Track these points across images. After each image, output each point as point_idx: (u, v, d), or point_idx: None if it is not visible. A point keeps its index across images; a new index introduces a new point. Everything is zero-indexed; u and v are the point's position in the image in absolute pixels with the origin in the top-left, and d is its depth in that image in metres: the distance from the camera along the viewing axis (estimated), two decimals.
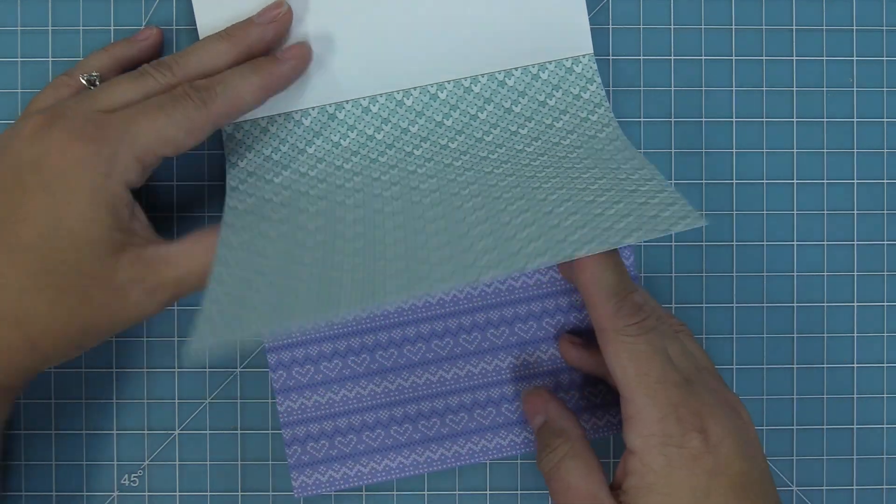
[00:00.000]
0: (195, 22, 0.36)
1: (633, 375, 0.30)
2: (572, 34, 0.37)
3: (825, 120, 0.39)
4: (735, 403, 0.32)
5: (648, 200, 0.31)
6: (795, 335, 0.39)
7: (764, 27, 0.39)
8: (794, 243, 0.39)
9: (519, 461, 0.39)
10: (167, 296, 0.32)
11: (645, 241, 0.39)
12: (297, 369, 0.37)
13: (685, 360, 0.32)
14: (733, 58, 0.39)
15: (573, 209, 0.31)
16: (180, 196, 0.39)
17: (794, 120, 0.39)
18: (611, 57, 0.39)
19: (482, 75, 0.38)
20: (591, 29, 0.38)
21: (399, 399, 0.37)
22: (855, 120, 0.39)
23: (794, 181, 0.39)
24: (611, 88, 0.39)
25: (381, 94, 0.37)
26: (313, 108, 0.37)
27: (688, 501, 0.30)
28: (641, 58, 0.39)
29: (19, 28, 0.39)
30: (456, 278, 0.29)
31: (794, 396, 0.39)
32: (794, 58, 0.39)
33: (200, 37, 0.36)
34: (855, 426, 0.39)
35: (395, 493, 0.39)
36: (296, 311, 0.29)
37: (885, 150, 0.40)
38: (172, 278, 0.32)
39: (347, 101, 0.37)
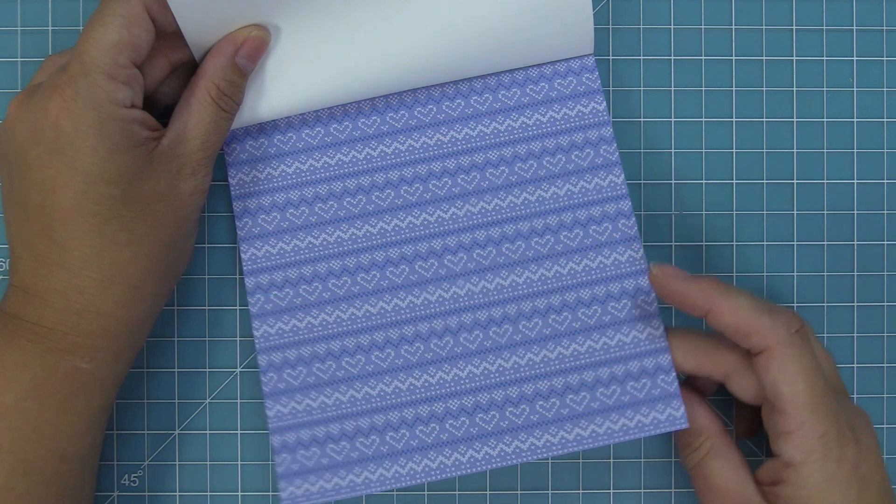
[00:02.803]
0: None
1: (801, 390, 0.31)
2: (575, 35, 0.37)
3: (825, 120, 0.39)
4: (858, 407, 0.34)
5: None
6: None
7: (764, 27, 0.39)
8: (795, 243, 0.39)
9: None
10: (204, 161, 0.34)
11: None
12: (288, 371, 0.36)
13: (825, 365, 0.34)
14: (733, 58, 0.39)
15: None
16: None
17: (794, 120, 0.39)
18: (611, 57, 0.39)
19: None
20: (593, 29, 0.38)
21: (395, 403, 0.36)
22: (855, 120, 0.39)
23: (794, 181, 0.39)
24: (611, 88, 0.39)
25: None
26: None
27: None
28: (641, 58, 0.39)
29: (19, 28, 0.39)
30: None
31: None
32: (794, 58, 0.39)
33: (188, 41, 0.35)
34: None
35: (394, 493, 0.39)
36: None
37: (885, 150, 0.40)
38: (197, 145, 0.33)
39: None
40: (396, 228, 0.37)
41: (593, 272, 0.36)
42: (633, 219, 0.36)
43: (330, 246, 0.37)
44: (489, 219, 0.37)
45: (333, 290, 0.36)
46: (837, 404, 0.31)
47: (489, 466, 0.35)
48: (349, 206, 0.37)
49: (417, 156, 0.37)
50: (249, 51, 0.34)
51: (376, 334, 0.37)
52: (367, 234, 0.37)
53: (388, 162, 0.37)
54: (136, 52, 0.32)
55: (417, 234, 0.37)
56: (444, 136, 0.38)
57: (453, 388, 0.36)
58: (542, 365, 0.36)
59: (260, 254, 0.37)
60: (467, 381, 0.36)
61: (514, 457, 0.35)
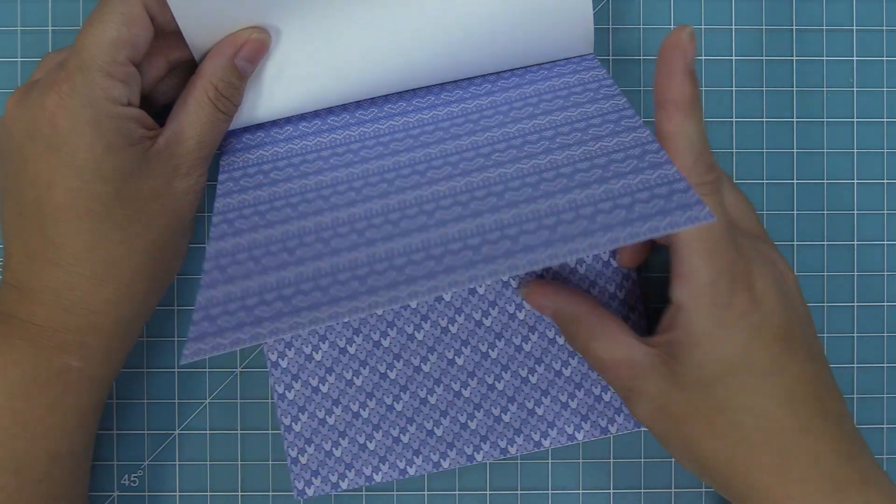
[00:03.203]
0: None
1: (694, 234, 0.30)
2: (575, 35, 0.37)
3: (825, 120, 0.39)
4: (773, 253, 0.33)
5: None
6: None
7: (764, 27, 0.39)
8: (795, 243, 0.39)
9: (519, 461, 0.39)
10: (200, 161, 0.34)
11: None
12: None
13: (736, 212, 0.33)
14: (733, 58, 0.39)
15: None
16: None
17: (794, 120, 0.39)
18: (611, 57, 0.39)
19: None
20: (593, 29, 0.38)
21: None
22: (855, 120, 0.39)
23: (795, 181, 0.39)
24: None
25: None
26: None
27: (730, 355, 0.31)
28: (641, 58, 0.39)
29: (19, 28, 0.39)
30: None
31: None
32: (794, 58, 0.39)
33: (189, 42, 0.35)
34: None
35: (395, 493, 0.39)
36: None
37: (885, 150, 0.40)
38: (193, 145, 0.33)
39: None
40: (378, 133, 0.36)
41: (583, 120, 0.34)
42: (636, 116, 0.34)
43: (308, 152, 0.36)
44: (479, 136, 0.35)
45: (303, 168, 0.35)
46: (738, 253, 0.31)
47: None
48: (334, 159, 0.36)
49: (411, 128, 0.36)
50: (249, 53, 0.34)
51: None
52: (347, 139, 0.36)
53: (381, 131, 0.36)
54: (135, 51, 0.32)
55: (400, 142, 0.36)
56: (441, 111, 0.37)
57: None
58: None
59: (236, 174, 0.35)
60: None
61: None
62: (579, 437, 0.37)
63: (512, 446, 0.37)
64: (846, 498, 0.31)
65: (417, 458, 0.37)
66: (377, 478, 0.37)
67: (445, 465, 0.37)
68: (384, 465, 0.37)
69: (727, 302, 0.30)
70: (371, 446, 0.37)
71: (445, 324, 0.37)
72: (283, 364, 0.37)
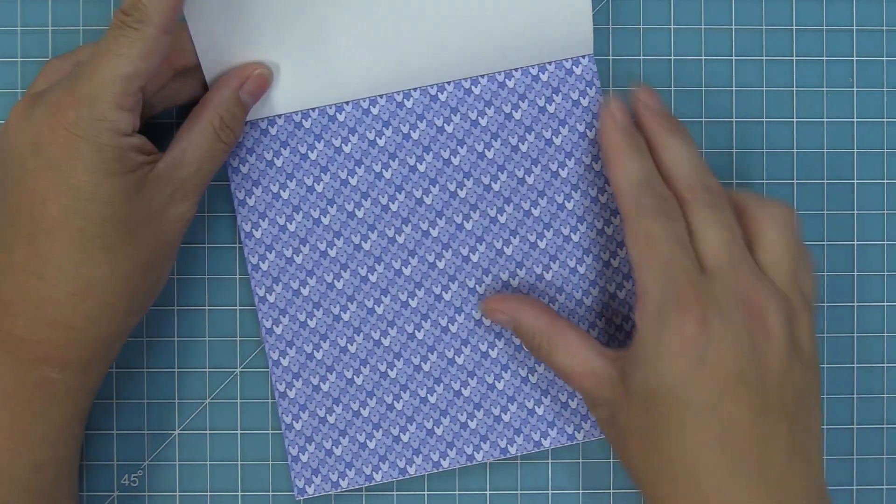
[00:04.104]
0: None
1: (645, 255, 0.32)
2: (575, 36, 0.37)
3: (825, 120, 0.39)
4: (763, 309, 0.31)
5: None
6: None
7: (764, 27, 0.39)
8: None
9: (519, 461, 0.39)
10: (195, 188, 0.34)
11: None
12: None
13: (719, 249, 0.32)
14: (733, 58, 0.39)
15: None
16: None
17: (794, 120, 0.39)
18: (611, 57, 0.39)
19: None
20: (592, 29, 0.38)
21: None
22: (855, 120, 0.39)
23: (794, 181, 0.39)
24: (611, 88, 0.39)
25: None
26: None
27: (670, 381, 0.31)
28: (641, 58, 0.39)
29: (19, 28, 0.39)
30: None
31: None
32: (794, 58, 0.39)
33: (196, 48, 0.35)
34: (855, 426, 0.39)
35: (395, 493, 0.39)
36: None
37: (885, 150, 0.40)
38: (192, 172, 0.34)
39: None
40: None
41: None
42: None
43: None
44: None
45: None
46: (695, 281, 0.31)
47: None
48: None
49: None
50: (253, 86, 0.35)
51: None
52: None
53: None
54: (147, 80, 0.32)
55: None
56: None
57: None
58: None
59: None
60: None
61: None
62: (579, 436, 0.37)
63: (512, 446, 0.37)
64: None
65: (418, 457, 0.37)
66: (377, 477, 0.37)
67: (445, 464, 0.37)
68: (384, 464, 0.37)
69: (674, 327, 0.31)
70: (371, 445, 0.37)
71: (445, 323, 0.37)
72: (285, 363, 0.37)
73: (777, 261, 0.33)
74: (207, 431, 0.39)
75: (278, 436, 0.39)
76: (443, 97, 0.37)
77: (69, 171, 0.31)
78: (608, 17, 0.39)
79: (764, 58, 0.39)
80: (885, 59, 0.40)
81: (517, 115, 0.38)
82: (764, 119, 0.39)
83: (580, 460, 0.39)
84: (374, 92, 0.37)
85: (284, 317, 0.37)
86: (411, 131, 0.37)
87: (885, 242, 0.39)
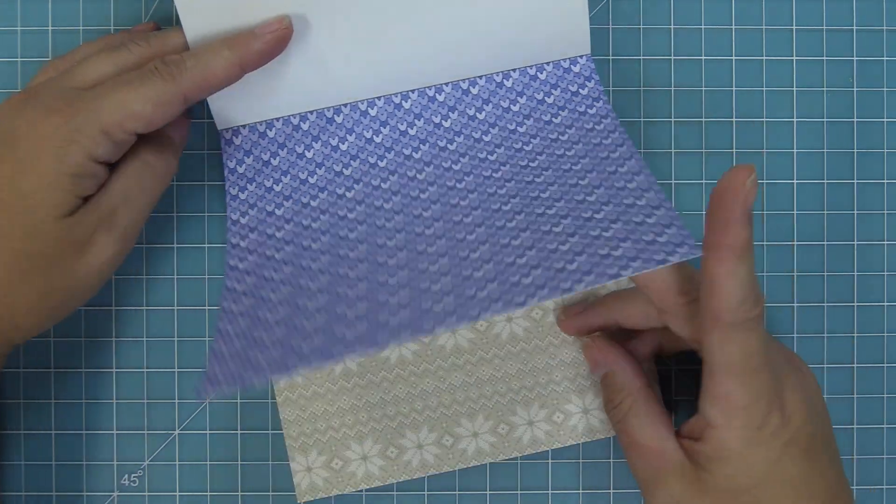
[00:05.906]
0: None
1: (736, 363, 0.30)
2: (572, 35, 0.37)
3: (825, 120, 0.39)
4: (795, 360, 0.33)
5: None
6: (795, 335, 0.39)
7: (764, 27, 0.39)
8: (795, 243, 0.39)
9: (519, 461, 0.39)
10: (120, 224, 0.33)
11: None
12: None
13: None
14: (733, 58, 0.39)
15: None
16: (180, 196, 0.39)
17: (794, 120, 0.39)
18: (611, 57, 0.39)
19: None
20: (591, 29, 0.38)
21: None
22: (855, 120, 0.39)
23: (794, 181, 0.39)
24: (611, 88, 0.39)
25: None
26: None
27: (761, 472, 0.31)
28: (641, 58, 0.39)
29: (19, 28, 0.39)
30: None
31: None
32: (794, 58, 0.39)
33: (188, 39, 0.35)
34: (855, 426, 0.39)
35: (395, 493, 0.39)
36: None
37: (885, 150, 0.40)
38: (117, 203, 0.33)
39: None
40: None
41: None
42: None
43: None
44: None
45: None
46: (772, 375, 0.31)
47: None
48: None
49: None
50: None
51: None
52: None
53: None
54: (149, 128, 0.32)
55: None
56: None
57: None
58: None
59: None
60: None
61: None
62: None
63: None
64: None
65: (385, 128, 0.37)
66: (308, 155, 0.38)
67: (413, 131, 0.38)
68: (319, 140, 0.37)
69: (760, 423, 0.30)
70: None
71: (444, 144, 0.38)
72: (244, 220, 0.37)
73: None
74: (207, 431, 0.39)
75: (278, 436, 0.39)
76: (441, 98, 0.37)
77: (22, 169, 0.31)
78: (608, 17, 0.39)
79: (764, 58, 0.39)
80: (885, 59, 0.40)
81: (515, 108, 0.38)
82: (765, 119, 0.39)
83: (580, 460, 0.39)
84: (371, 94, 0.37)
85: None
86: (409, 128, 0.37)
87: (885, 242, 0.39)
